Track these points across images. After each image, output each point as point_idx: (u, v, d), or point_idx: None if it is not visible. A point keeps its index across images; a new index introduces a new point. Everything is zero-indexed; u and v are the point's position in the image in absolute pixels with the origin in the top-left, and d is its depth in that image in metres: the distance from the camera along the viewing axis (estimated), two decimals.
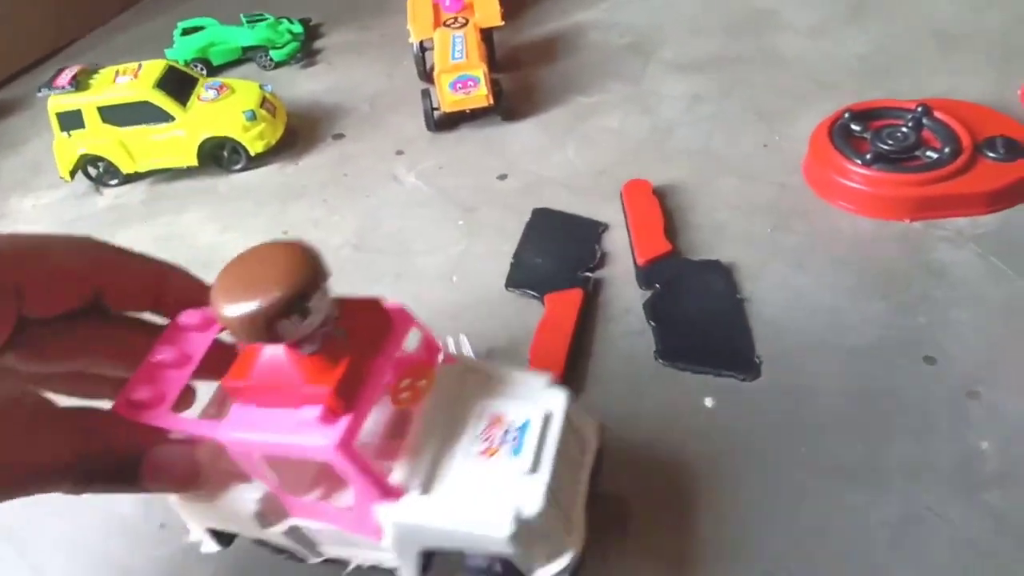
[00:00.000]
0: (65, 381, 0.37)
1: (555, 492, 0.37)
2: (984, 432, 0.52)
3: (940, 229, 0.67)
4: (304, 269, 0.30)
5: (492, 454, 0.37)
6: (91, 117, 0.84)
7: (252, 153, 0.86)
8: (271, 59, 1.04)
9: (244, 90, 0.87)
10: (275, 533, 0.39)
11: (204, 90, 0.87)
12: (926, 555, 0.46)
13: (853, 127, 0.73)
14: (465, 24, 0.88)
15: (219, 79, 0.89)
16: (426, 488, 0.36)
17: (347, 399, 0.33)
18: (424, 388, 0.38)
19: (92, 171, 0.88)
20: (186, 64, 1.03)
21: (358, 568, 0.42)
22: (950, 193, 0.67)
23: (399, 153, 0.87)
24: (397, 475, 0.36)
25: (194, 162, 0.86)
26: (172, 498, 0.40)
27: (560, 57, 0.98)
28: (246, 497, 0.38)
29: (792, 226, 0.70)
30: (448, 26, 0.89)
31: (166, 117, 0.84)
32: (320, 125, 0.94)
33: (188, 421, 0.35)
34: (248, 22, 1.07)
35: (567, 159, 0.83)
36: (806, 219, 0.70)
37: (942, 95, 0.82)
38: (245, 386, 0.33)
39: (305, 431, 0.32)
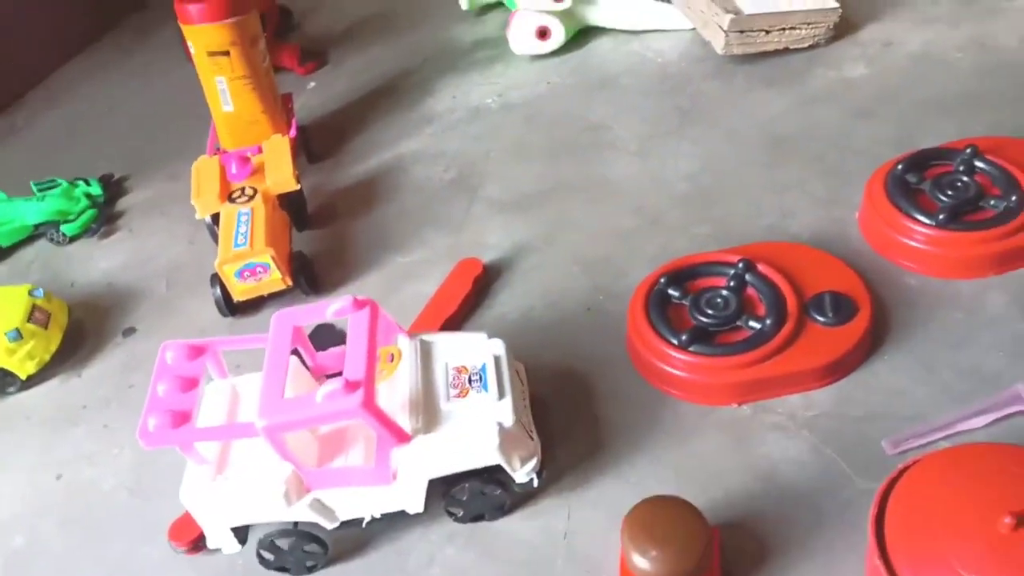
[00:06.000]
0: None
1: (517, 410, 0.51)
2: None
3: (771, 412, 0.60)
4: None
5: (465, 394, 0.50)
6: None
7: (23, 377, 0.75)
8: (64, 234, 0.93)
9: (9, 302, 0.77)
10: (300, 507, 0.48)
11: None
12: None
13: (671, 292, 0.65)
14: (253, 196, 0.79)
15: None
16: (427, 429, 0.48)
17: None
18: (398, 358, 0.53)
19: None
20: None
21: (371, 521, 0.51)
22: (777, 374, 0.59)
23: None
24: (403, 424, 0.48)
25: None
26: (198, 508, 0.51)
27: (380, 202, 0.89)
28: (274, 482, 0.48)
29: (609, 415, 0.62)
30: (234, 200, 0.79)
31: None
32: (111, 316, 0.83)
33: (228, 426, 0.52)
34: (39, 190, 0.96)
35: None
36: (625, 405, 0.62)
37: (770, 227, 0.75)
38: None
39: (336, 399, 0.45)
